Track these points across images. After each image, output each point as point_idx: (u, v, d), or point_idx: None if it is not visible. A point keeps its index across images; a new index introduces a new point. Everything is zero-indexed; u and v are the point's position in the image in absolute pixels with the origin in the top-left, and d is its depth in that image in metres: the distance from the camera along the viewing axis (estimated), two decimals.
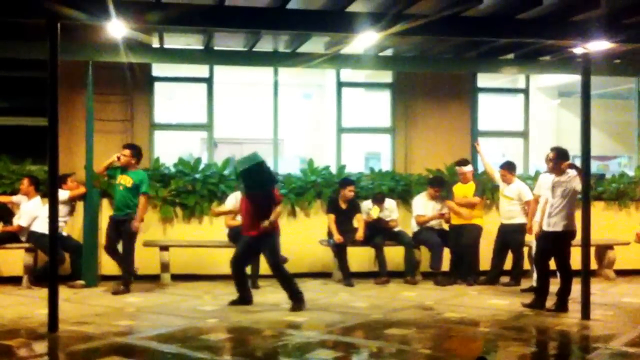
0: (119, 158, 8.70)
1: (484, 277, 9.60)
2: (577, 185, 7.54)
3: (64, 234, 9.13)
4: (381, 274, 9.67)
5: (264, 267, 8.38)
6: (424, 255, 9.93)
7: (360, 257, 9.92)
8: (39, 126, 8.96)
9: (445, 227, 9.96)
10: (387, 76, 11.50)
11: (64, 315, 6.78)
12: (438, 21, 7.65)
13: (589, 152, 7.39)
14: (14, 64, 9.77)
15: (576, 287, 7.53)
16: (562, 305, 7.65)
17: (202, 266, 9.81)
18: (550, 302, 7.76)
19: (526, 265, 9.60)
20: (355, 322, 7.23)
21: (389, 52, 10.60)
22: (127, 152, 8.77)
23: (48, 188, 6.82)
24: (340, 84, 11.27)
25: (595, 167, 13.64)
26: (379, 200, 9.81)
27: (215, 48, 10.14)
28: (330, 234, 9.67)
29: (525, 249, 9.57)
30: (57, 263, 6.89)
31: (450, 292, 9.03)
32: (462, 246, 9.62)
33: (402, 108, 11.24)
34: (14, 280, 9.17)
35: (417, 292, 9.02)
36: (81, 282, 9.03)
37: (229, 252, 8.08)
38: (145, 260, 9.35)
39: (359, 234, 9.65)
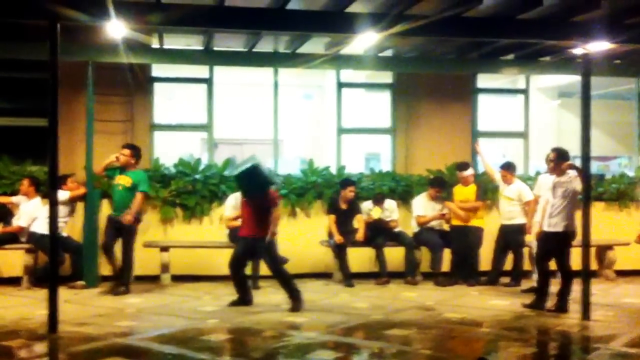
0: (117, 158, 8.70)
1: (485, 278, 9.61)
2: (578, 185, 7.54)
3: (64, 234, 9.12)
4: (382, 275, 9.67)
5: (264, 267, 8.38)
6: (424, 255, 9.93)
7: (360, 258, 9.92)
8: (40, 127, 8.94)
9: (446, 227, 9.96)
10: (387, 77, 11.50)
11: (64, 316, 6.77)
12: (439, 22, 7.64)
13: (589, 152, 7.40)
14: (14, 64, 9.77)
15: (576, 288, 7.53)
16: (562, 306, 7.64)
17: (202, 267, 9.80)
18: (550, 302, 7.76)
19: (527, 265, 9.60)
20: (356, 322, 7.23)
21: (389, 53, 10.60)
22: (126, 151, 8.77)
23: (48, 189, 6.82)
24: (340, 85, 11.27)
25: (595, 167, 13.63)
26: (379, 201, 9.82)
27: (215, 48, 10.15)
28: (330, 235, 9.67)
29: (526, 250, 9.57)
30: (57, 264, 6.89)
31: (451, 293, 9.03)
32: (464, 248, 9.62)
33: (402, 108, 11.25)
34: (14, 281, 9.16)
35: (417, 293, 9.02)
36: (81, 282, 9.02)
37: (229, 253, 8.07)
38: (145, 261, 9.36)
39: (360, 235, 9.65)
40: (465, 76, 11.24)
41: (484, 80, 11.63)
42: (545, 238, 7.85)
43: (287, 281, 7.83)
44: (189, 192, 9.90)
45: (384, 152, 12.38)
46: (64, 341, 6.32)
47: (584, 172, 7.40)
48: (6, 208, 9.43)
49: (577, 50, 8.12)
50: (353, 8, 7.79)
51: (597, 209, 10.05)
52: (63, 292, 7.32)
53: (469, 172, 9.85)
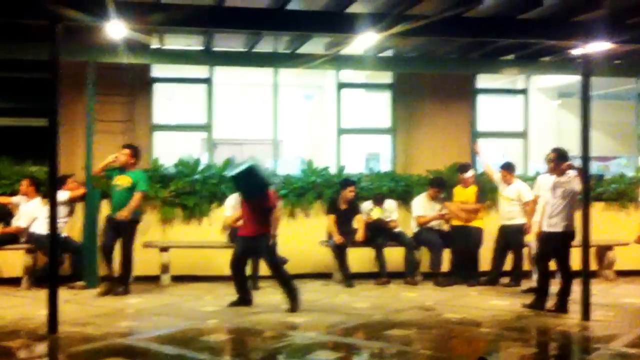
0: (117, 158, 8.68)
1: (485, 278, 9.61)
2: (577, 185, 7.54)
3: (64, 234, 9.11)
4: (381, 275, 9.66)
5: (264, 268, 8.38)
6: (424, 255, 9.92)
7: (360, 258, 9.91)
8: (40, 127, 8.94)
9: (446, 227, 9.96)
10: (387, 77, 11.50)
11: (64, 317, 6.76)
12: (439, 22, 7.64)
13: (589, 152, 7.40)
14: (15, 64, 9.77)
15: (576, 288, 7.53)
16: (562, 306, 7.64)
17: (202, 267, 9.80)
18: (550, 302, 7.76)
19: (526, 266, 9.60)
20: (356, 322, 7.23)
21: (389, 53, 10.60)
22: (126, 151, 8.76)
23: (48, 189, 6.82)
24: (340, 85, 11.28)
25: (595, 167, 13.62)
26: (379, 201, 9.82)
27: (215, 49, 10.15)
28: (330, 235, 9.67)
29: (526, 250, 9.57)
30: (57, 264, 6.89)
31: (451, 293, 9.02)
32: (464, 249, 9.61)
33: (402, 109, 11.25)
34: (14, 282, 9.15)
35: (417, 293, 9.02)
36: (81, 283, 9.01)
37: (229, 253, 8.07)
38: (145, 261, 9.35)
39: (359, 235, 9.65)
40: (465, 76, 11.24)
41: (484, 80, 11.64)
42: (544, 238, 7.85)
43: (286, 281, 7.83)
44: (188, 192, 9.89)
45: (383, 153, 12.39)
46: (63, 341, 6.32)
47: (584, 173, 7.40)
48: (6, 208, 9.42)
49: (578, 51, 8.13)
50: (353, 8, 7.79)
51: (597, 209, 10.05)
52: (63, 293, 7.30)
53: (470, 173, 9.84)
